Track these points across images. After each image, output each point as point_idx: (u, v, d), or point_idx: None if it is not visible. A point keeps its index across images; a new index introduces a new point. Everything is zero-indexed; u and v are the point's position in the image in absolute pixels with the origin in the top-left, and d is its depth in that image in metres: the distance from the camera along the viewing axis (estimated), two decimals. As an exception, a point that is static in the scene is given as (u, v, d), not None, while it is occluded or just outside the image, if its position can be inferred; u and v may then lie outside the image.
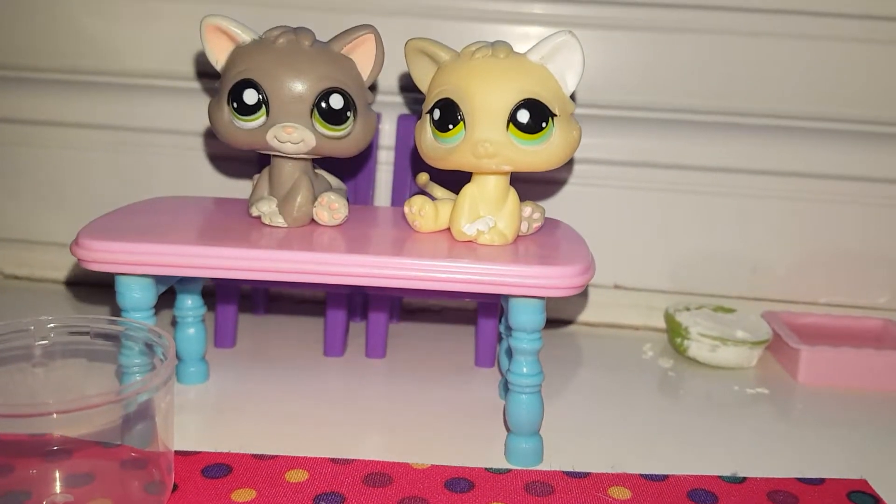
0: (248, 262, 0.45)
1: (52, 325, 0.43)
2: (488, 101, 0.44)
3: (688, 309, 0.67)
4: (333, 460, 0.45)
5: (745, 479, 0.46)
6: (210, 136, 0.69)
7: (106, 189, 0.71)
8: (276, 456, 0.45)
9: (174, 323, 0.56)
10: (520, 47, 0.46)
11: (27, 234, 0.74)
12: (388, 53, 0.49)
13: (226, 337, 0.62)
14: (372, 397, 0.55)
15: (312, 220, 0.50)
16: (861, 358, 0.60)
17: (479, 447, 0.48)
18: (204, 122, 0.69)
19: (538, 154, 0.45)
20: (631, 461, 0.48)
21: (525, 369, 0.46)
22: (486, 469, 0.45)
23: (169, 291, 0.53)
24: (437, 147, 0.47)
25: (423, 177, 0.53)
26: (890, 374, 0.60)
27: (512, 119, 0.45)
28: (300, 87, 0.46)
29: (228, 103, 0.47)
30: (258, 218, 0.51)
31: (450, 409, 0.54)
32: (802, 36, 0.64)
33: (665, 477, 0.46)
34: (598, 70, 0.65)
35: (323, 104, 0.47)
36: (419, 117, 0.49)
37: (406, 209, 0.50)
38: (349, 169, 0.64)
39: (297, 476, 0.44)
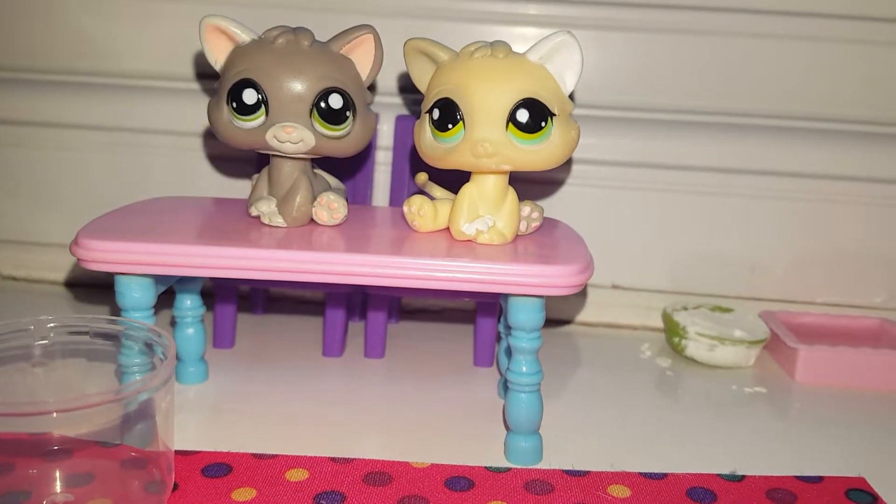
0: (247, 262, 0.45)
1: (51, 324, 0.43)
2: (488, 100, 0.45)
3: (686, 308, 0.68)
4: (333, 459, 0.45)
5: (743, 477, 0.46)
6: (208, 136, 0.69)
7: (104, 190, 0.71)
8: (276, 455, 0.45)
9: (173, 323, 0.56)
10: (518, 47, 0.46)
11: (25, 236, 0.74)
12: (386, 54, 0.49)
13: (224, 337, 0.62)
14: (371, 397, 0.55)
15: (312, 220, 0.50)
16: (858, 357, 0.60)
17: (478, 446, 0.48)
18: (202, 123, 0.69)
19: (537, 153, 0.46)
20: (630, 460, 0.48)
21: (524, 368, 0.46)
22: (485, 468, 0.46)
23: (168, 292, 0.53)
24: (436, 147, 0.47)
25: (422, 176, 0.53)
26: (887, 373, 0.60)
27: (511, 119, 0.45)
28: (299, 87, 0.46)
29: (228, 103, 0.47)
30: (257, 218, 0.51)
31: (449, 408, 0.54)
32: (799, 37, 0.64)
33: (664, 475, 0.46)
34: (596, 70, 0.65)
35: (322, 104, 0.47)
36: (417, 117, 0.49)
37: (405, 209, 0.50)
38: (347, 169, 0.64)
39: (297, 475, 0.44)
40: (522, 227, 0.50)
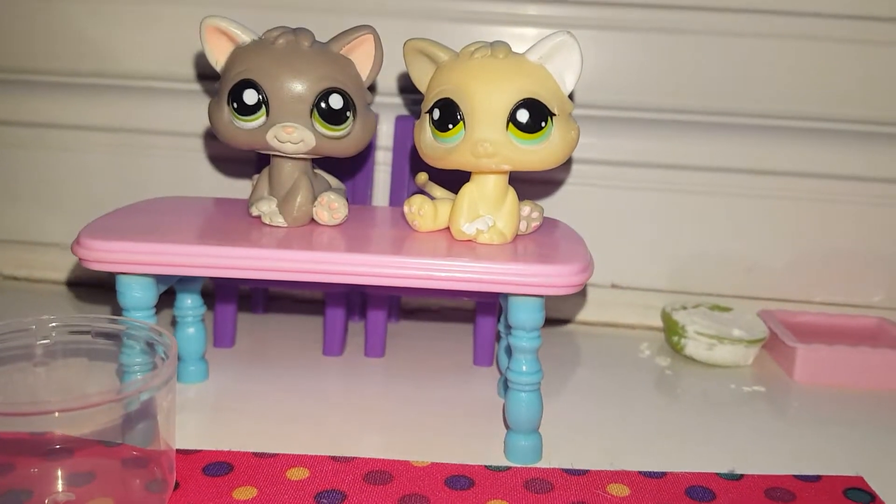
0: (248, 262, 0.45)
1: (53, 324, 0.43)
2: (488, 100, 0.45)
3: (684, 308, 0.68)
4: (334, 458, 0.46)
5: (742, 476, 0.46)
6: (209, 137, 0.69)
7: (105, 191, 0.71)
8: (277, 454, 0.46)
9: (174, 322, 0.57)
10: (518, 48, 0.47)
11: (27, 236, 0.74)
12: (385, 55, 0.49)
13: (225, 337, 0.62)
14: (371, 396, 0.55)
15: (312, 220, 0.51)
16: (856, 356, 0.60)
17: (478, 445, 0.49)
18: (203, 124, 0.69)
19: (537, 153, 0.46)
20: (629, 458, 0.48)
21: (524, 367, 0.46)
22: (485, 466, 0.46)
23: (169, 291, 0.53)
24: (436, 147, 0.48)
25: (422, 176, 0.53)
26: (885, 371, 0.60)
27: (511, 118, 0.45)
28: (300, 88, 0.47)
29: (228, 103, 0.48)
30: (258, 218, 0.51)
31: (449, 407, 0.54)
32: (798, 37, 0.65)
33: (663, 474, 0.46)
34: (595, 70, 0.66)
35: (322, 104, 0.47)
36: (417, 118, 0.50)
37: (405, 209, 0.50)
38: (347, 169, 0.64)
39: (297, 474, 0.44)
40: (522, 226, 0.50)
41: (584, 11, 0.65)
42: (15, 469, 0.39)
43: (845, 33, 0.64)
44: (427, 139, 0.48)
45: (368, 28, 0.48)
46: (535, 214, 0.51)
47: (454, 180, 0.50)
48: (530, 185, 0.68)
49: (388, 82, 0.67)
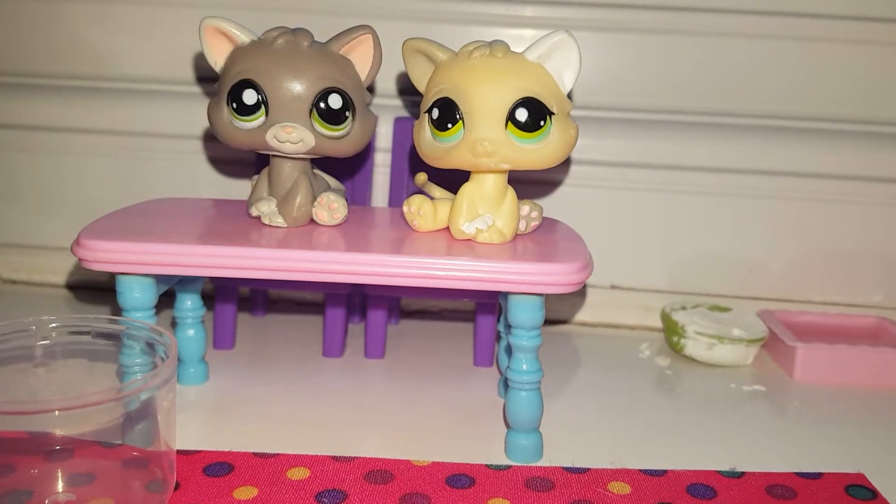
0: (248, 262, 0.45)
1: (53, 324, 0.43)
2: (487, 99, 0.45)
3: (684, 308, 0.68)
4: (335, 458, 0.46)
5: (743, 473, 0.46)
6: (209, 139, 0.69)
7: (105, 193, 0.71)
8: (278, 454, 0.46)
9: (174, 324, 0.57)
10: (517, 47, 0.47)
11: (27, 239, 0.74)
12: (384, 56, 0.50)
13: (225, 338, 0.62)
14: (372, 397, 0.55)
15: (312, 220, 0.51)
16: (856, 355, 0.60)
17: (479, 444, 0.49)
18: (203, 126, 0.69)
19: (536, 152, 0.46)
20: (630, 457, 0.48)
21: (525, 366, 0.46)
22: (486, 465, 0.46)
23: (168, 293, 0.53)
24: (435, 146, 0.48)
25: (422, 176, 0.53)
26: (885, 370, 0.60)
27: (510, 117, 0.45)
28: (299, 88, 0.47)
29: (228, 104, 0.48)
30: (258, 218, 0.51)
31: (449, 407, 0.54)
32: (797, 37, 0.65)
33: (664, 472, 0.46)
34: (594, 71, 0.66)
35: (322, 104, 0.47)
36: (416, 119, 0.50)
37: (405, 208, 0.50)
38: (346, 170, 0.64)
39: (298, 474, 0.44)
40: (522, 226, 0.50)
41: (582, 13, 0.65)
42: (15, 470, 0.39)
43: (845, 33, 0.64)
44: (426, 139, 0.48)
45: (367, 28, 0.48)
46: (535, 214, 0.51)
47: (454, 180, 0.50)
48: (530, 185, 0.68)
49: (386, 84, 0.67)
